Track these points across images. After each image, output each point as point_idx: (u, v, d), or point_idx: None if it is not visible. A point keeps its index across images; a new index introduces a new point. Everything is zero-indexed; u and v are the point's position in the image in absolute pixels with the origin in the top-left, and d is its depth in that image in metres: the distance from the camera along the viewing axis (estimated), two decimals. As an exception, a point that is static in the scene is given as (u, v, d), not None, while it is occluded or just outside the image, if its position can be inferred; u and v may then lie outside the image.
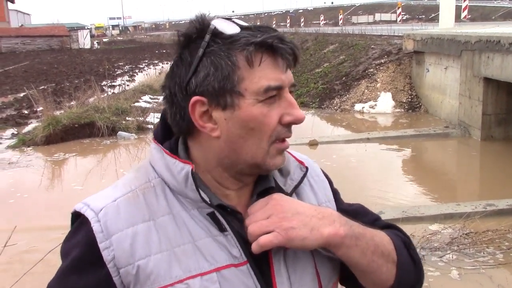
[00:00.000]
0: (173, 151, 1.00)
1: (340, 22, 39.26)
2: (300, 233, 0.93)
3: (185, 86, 0.94)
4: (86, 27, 68.46)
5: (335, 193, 1.20)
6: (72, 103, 13.08)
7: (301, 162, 1.11)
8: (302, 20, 49.32)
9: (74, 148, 9.99)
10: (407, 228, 5.33)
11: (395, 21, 37.71)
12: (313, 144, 9.76)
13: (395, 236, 1.10)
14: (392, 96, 13.04)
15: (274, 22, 56.49)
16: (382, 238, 1.05)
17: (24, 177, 8.46)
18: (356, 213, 1.14)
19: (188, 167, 0.94)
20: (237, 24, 0.95)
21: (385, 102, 12.91)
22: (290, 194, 1.03)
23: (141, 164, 1.04)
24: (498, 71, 8.56)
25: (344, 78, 14.55)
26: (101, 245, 0.90)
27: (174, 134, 1.04)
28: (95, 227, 0.91)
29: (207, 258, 0.92)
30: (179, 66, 0.96)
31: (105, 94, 13.97)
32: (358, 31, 21.71)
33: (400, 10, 36.33)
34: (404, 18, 43.54)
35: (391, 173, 8.32)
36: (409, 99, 12.98)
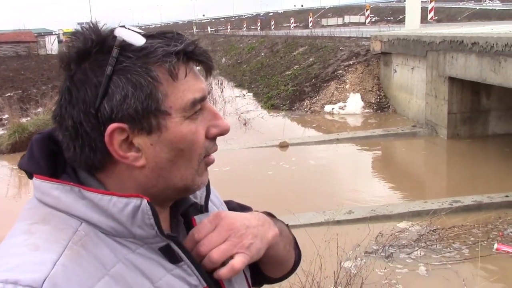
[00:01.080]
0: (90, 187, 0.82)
1: (310, 24, 39.56)
2: (257, 247, 0.91)
3: (95, 113, 0.78)
4: (53, 33, 67.37)
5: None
6: (39, 110, 12.84)
7: None
8: (272, 23, 49.54)
9: (41, 155, 9.77)
10: (376, 227, 5.41)
11: (364, 23, 38.20)
12: (283, 146, 9.81)
13: (282, 222, 1.15)
14: (361, 97, 13.20)
15: (244, 25, 56.60)
16: (285, 227, 1.09)
17: (-11, 186, 8.25)
18: (236, 210, 1.12)
19: (136, 201, 0.79)
20: (139, 33, 0.81)
21: (354, 103, 13.06)
22: (205, 205, 0.98)
23: (39, 212, 0.81)
24: (462, 70, 8.75)
25: (313, 80, 14.66)
26: None
27: (58, 164, 0.85)
28: None
29: None
30: (80, 89, 0.79)
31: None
32: (327, 33, 21.90)
33: (368, 12, 36.82)
34: (373, 20, 44.14)
35: (360, 173, 8.42)
36: (378, 100, 13.16)
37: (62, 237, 0.76)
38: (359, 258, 4.84)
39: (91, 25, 0.81)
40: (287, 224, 1.16)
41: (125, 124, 0.79)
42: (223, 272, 0.87)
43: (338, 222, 5.69)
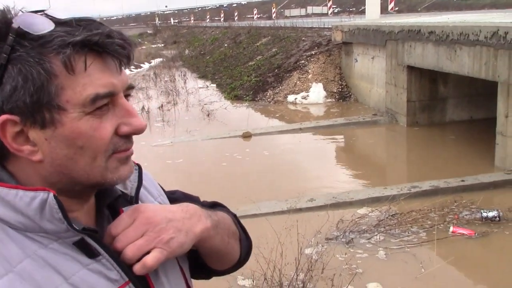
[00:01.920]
0: (3, 181, 0.79)
1: (273, 15, 39.59)
2: (179, 241, 0.87)
3: None
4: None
5: (160, 185, 1.12)
6: None
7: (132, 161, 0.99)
8: (236, 14, 49.32)
9: None
10: (337, 213, 5.47)
11: (326, 14, 38.45)
12: (246, 136, 9.82)
13: (228, 213, 1.13)
14: (324, 86, 13.32)
15: (208, 16, 56.17)
16: (228, 218, 1.07)
17: None
18: (183, 199, 1.09)
19: (43, 195, 0.75)
20: (52, 19, 0.76)
21: (317, 93, 13.18)
22: (136, 197, 0.94)
23: None
24: (420, 59, 8.94)
25: (276, 70, 14.70)
26: None
27: None
28: None
29: None
30: None
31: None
32: (290, 24, 21.95)
33: (331, 3, 37.03)
34: (336, 11, 44.47)
35: (323, 161, 8.52)
36: (340, 89, 13.31)
37: None
38: (320, 245, 4.92)
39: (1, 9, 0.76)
40: (235, 215, 1.15)
41: (16, 116, 0.75)
42: (136, 268, 0.83)
43: (300, 210, 5.75)
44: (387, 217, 5.47)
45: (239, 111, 12.80)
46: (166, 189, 1.13)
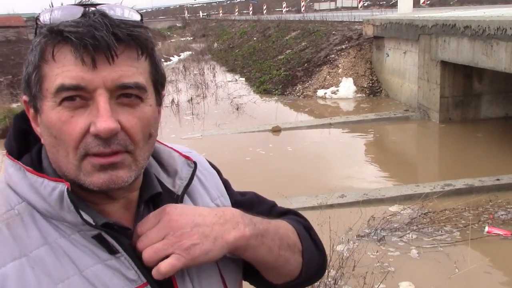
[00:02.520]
0: (37, 167, 0.82)
1: (302, 9, 39.31)
2: (203, 248, 0.83)
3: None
4: (43, 17, 66.47)
5: (226, 185, 1.09)
6: (29, 95, 12.71)
7: (187, 157, 0.98)
8: (264, 7, 49.14)
9: (32, 141, 9.69)
10: (368, 210, 5.42)
11: (356, 7, 38.00)
12: (276, 130, 9.79)
13: (296, 222, 1.06)
14: (354, 81, 13.18)
15: (236, 9, 56.12)
16: (286, 229, 1.00)
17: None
18: (251, 203, 1.08)
19: (61, 186, 0.77)
20: (82, 5, 0.78)
21: (347, 88, 13.04)
22: (181, 196, 0.92)
23: None
24: (454, 54, 8.74)
25: (306, 64, 14.60)
26: None
27: (32, 145, 0.87)
28: None
29: None
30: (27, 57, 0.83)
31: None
32: (319, 18, 21.76)
33: (361, -4, 36.57)
34: (365, 4, 43.84)
35: (353, 157, 8.43)
36: (370, 84, 13.15)
37: None
38: (351, 242, 4.87)
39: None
40: (308, 227, 1.07)
41: (26, 97, 0.83)
42: (153, 272, 0.81)
43: (331, 206, 5.71)
44: (419, 215, 5.38)
45: (268, 105, 12.77)
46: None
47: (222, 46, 27.30)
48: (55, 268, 0.76)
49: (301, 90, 13.55)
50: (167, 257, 0.81)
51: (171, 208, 0.85)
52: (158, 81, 0.86)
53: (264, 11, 45.64)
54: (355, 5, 39.85)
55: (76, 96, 0.76)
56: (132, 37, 0.78)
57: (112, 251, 0.80)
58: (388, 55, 12.56)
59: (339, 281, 4.02)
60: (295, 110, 12.19)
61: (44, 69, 0.77)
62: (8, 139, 0.87)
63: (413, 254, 4.70)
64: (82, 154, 0.78)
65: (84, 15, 0.76)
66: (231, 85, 15.67)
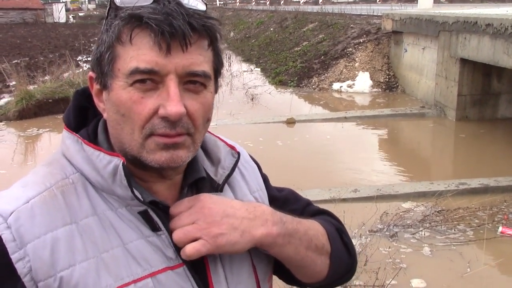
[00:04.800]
0: (92, 141, 0.88)
1: (320, 1, 39.03)
2: (230, 239, 0.86)
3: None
4: (61, 1, 66.76)
5: (265, 179, 1.12)
6: (46, 77, 12.81)
7: (232, 147, 1.01)
8: (282, -2, 48.89)
9: (47, 123, 9.79)
10: (381, 206, 5.38)
11: (375, 1, 37.65)
12: (290, 122, 9.77)
13: (328, 224, 1.07)
14: (370, 75, 13.08)
15: (253, 0, 55.89)
16: (316, 230, 1.02)
17: (-4, 152, 8.29)
18: (286, 200, 1.11)
19: (116, 160, 0.82)
20: None
21: (363, 82, 12.95)
22: (222, 185, 0.95)
23: (52, 157, 0.89)
24: (474, 52, 8.63)
25: (322, 57, 14.52)
26: (13, 256, 0.76)
27: (89, 120, 0.93)
28: (5, 235, 0.76)
29: (140, 263, 0.82)
30: (100, 36, 0.88)
31: (81, 69, 13.70)
32: (337, 10, 21.59)
33: (380, -10, 36.24)
34: (384, -2, 43.43)
35: (367, 152, 8.39)
36: (387, 79, 13.04)
37: (49, 180, 0.83)
38: (363, 237, 4.86)
39: None
40: (340, 229, 1.09)
41: (94, 73, 0.87)
42: (181, 252, 0.85)
43: (344, 200, 5.69)
44: (433, 213, 5.35)
45: (283, 97, 12.73)
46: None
47: (238, 35, 27.22)
48: (101, 237, 0.81)
49: (317, 83, 13.48)
50: (195, 240, 0.85)
51: (205, 196, 0.90)
52: (218, 70, 0.91)
53: (282, 2, 45.39)
54: (373, -2, 39.49)
55: (148, 79, 0.81)
56: (205, 28, 0.83)
57: (154, 228, 0.85)
58: (406, 51, 12.44)
59: (351, 275, 4.02)
60: (310, 103, 12.14)
61: (118, 50, 0.82)
62: (67, 113, 0.92)
63: (425, 252, 4.68)
64: (148, 133, 0.83)
65: (157, 1, 0.81)
66: (247, 75, 15.64)
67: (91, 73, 0.87)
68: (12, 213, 0.78)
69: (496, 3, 30.71)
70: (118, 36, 0.81)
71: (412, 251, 4.70)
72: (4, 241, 0.76)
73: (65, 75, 12.85)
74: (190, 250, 0.84)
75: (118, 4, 0.82)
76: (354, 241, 4.61)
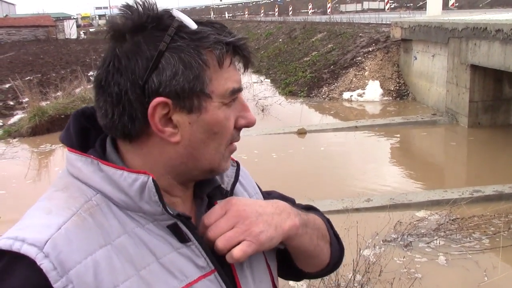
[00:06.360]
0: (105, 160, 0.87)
1: (328, 10, 39.14)
2: (268, 235, 0.91)
3: (142, 85, 0.82)
4: (72, 17, 67.67)
5: (256, 184, 1.18)
6: (58, 93, 12.94)
7: (231, 158, 1.05)
8: (290, 8, 49.09)
9: (60, 139, 9.85)
10: (395, 215, 5.34)
11: (383, 10, 37.69)
12: (301, 132, 9.76)
13: (321, 215, 1.15)
14: (380, 84, 13.05)
15: (262, 11, 56.19)
16: (319, 220, 1.09)
17: (10, 168, 8.37)
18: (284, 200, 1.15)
19: (144, 178, 0.82)
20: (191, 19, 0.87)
21: (373, 90, 12.93)
22: (231, 192, 1.00)
23: (63, 181, 0.88)
24: (485, 58, 8.59)
25: (332, 66, 14.53)
26: (56, 285, 0.74)
27: (91, 141, 0.92)
28: (44, 264, 0.74)
29: (176, 275, 0.84)
30: (131, 59, 0.82)
31: (92, 85, 13.81)
32: (346, 20, 21.64)
33: (388, -2, 36.26)
34: (392, 6, 43.45)
35: (379, 161, 8.35)
36: (397, 87, 13.01)
37: (74, 204, 0.82)
38: (377, 247, 4.82)
39: (146, 2, 0.85)
40: (328, 220, 1.17)
41: (170, 100, 0.83)
42: (227, 258, 0.89)
43: (357, 210, 5.66)
44: (447, 221, 5.29)
45: (293, 107, 12.74)
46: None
47: (247, 47, 27.31)
48: (136, 255, 0.82)
49: (327, 93, 13.48)
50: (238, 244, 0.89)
51: (236, 200, 0.94)
52: None
53: (290, 13, 45.60)
54: (382, 7, 39.52)
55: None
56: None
57: (183, 240, 0.86)
58: (416, 58, 12.41)
59: (365, 286, 3.98)
60: (320, 113, 12.14)
61: (211, 73, 0.85)
62: (67, 135, 0.91)
63: (440, 261, 4.63)
64: (228, 144, 0.92)
65: (212, 26, 0.88)
66: (257, 87, 15.68)
67: (162, 99, 0.82)
68: (47, 241, 0.76)
69: (506, 8, 30.59)
70: (205, 62, 0.84)
71: (427, 261, 4.65)
72: (44, 271, 0.74)
73: (77, 90, 12.99)
74: (238, 253, 0.87)
75: (192, 27, 0.85)
76: (368, 251, 4.60)
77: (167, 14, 0.85)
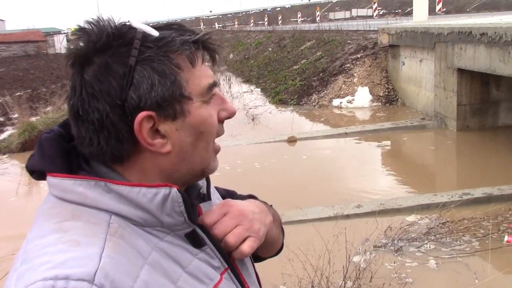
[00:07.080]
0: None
1: (318, 18, 39.39)
2: (263, 231, 0.98)
3: (121, 104, 0.80)
4: (62, 32, 67.58)
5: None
6: (48, 108, 12.91)
7: None
8: (279, 18, 49.38)
9: (51, 154, 9.82)
10: (385, 220, 5.35)
11: (371, 16, 37.96)
12: (292, 140, 9.79)
13: (270, 206, 1.20)
14: (369, 90, 13.13)
15: (252, 20, 56.44)
16: (275, 211, 1.14)
17: (0, 185, 8.32)
18: (231, 195, 1.21)
19: (165, 190, 0.82)
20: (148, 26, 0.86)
21: (363, 97, 12.99)
22: (208, 194, 1.02)
23: (64, 209, 0.81)
24: (471, 61, 8.67)
25: (321, 74, 14.60)
26: None
27: (73, 162, 0.86)
28: None
29: (204, 281, 0.86)
30: (103, 82, 0.79)
31: (68, 116, 13.77)
32: (334, 27, 21.78)
33: (376, 5, 36.52)
34: (381, 13, 43.81)
35: (370, 166, 8.38)
36: (386, 93, 13.08)
37: (98, 230, 0.78)
38: (368, 252, 4.82)
39: (101, 20, 0.83)
40: (271, 205, 1.21)
41: (153, 111, 0.82)
42: (235, 254, 0.93)
43: (347, 216, 5.67)
44: (437, 225, 5.31)
45: (283, 115, 12.77)
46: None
47: (237, 57, 27.44)
48: (169, 269, 0.82)
49: (317, 100, 13.53)
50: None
51: (233, 202, 0.98)
52: None
53: (279, 22, 45.84)
54: (370, 14, 39.80)
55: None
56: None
57: (199, 245, 0.89)
58: (403, 64, 12.50)
59: (356, 292, 3.98)
60: (310, 120, 12.18)
61: (185, 75, 0.85)
62: (50, 160, 0.84)
63: (431, 265, 4.64)
64: (213, 141, 0.92)
65: (174, 28, 0.88)
66: (247, 96, 15.72)
67: (145, 113, 0.81)
68: (95, 273, 0.71)
69: (492, 12, 30.92)
70: (177, 65, 0.83)
71: (417, 265, 4.66)
72: None
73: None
74: (247, 249, 0.92)
75: (155, 35, 0.83)
76: (358, 258, 4.61)
77: (127, 27, 0.83)
